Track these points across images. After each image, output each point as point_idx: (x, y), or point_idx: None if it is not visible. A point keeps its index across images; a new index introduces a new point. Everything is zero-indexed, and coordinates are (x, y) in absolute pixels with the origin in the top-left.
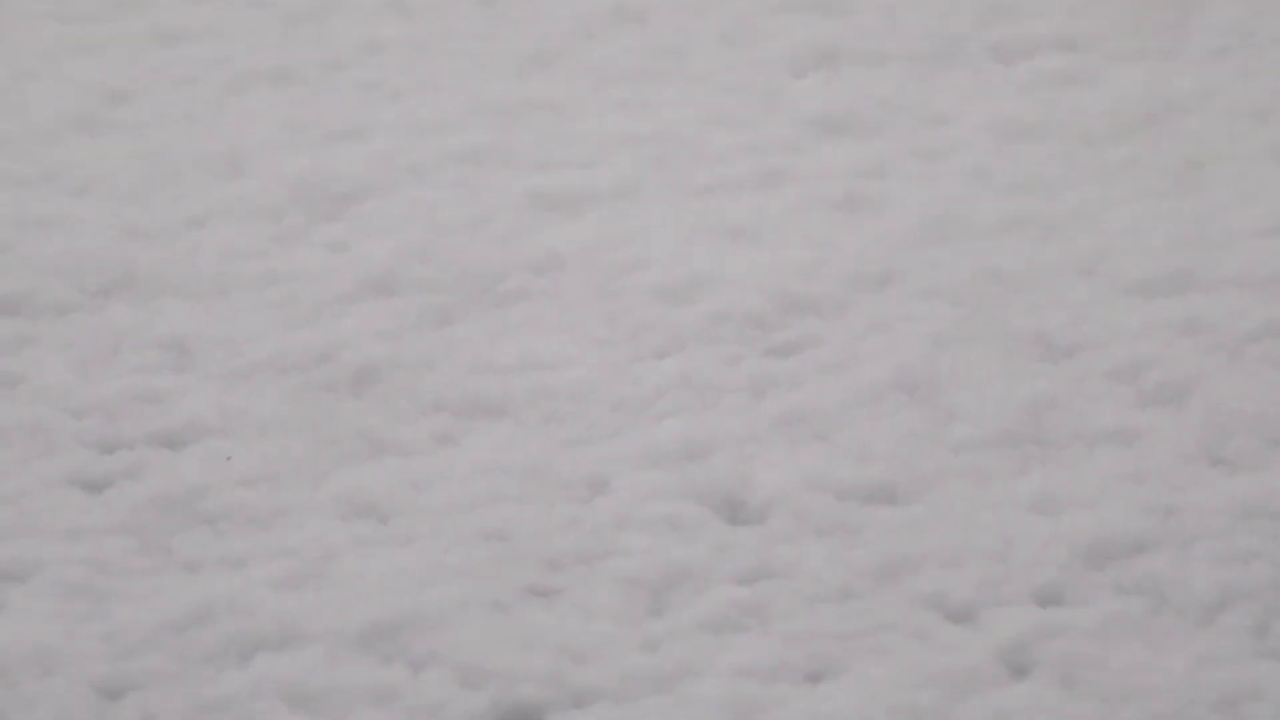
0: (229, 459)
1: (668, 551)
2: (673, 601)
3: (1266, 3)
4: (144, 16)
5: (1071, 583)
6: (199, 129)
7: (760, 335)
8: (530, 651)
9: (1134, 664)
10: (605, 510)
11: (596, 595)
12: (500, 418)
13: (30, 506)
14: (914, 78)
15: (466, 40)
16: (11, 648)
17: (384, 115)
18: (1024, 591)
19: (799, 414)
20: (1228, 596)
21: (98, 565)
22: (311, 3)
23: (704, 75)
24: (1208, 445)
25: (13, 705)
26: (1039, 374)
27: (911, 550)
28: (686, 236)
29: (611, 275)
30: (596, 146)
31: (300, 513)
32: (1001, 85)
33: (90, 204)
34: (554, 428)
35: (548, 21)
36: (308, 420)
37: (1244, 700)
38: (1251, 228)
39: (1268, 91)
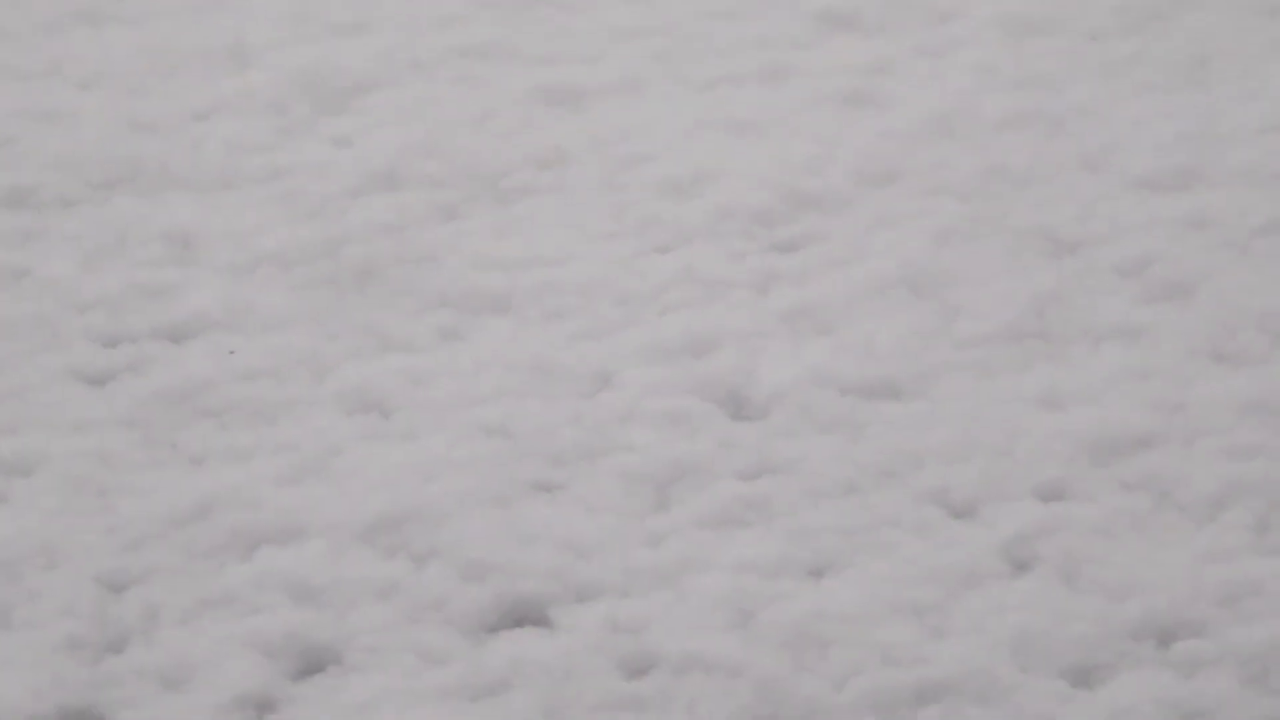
0: (233, 353)
1: (671, 446)
2: (676, 496)
3: None
4: None
5: (1075, 478)
6: (203, 21)
7: (765, 230)
8: (533, 546)
9: (1136, 559)
10: (609, 405)
11: (600, 490)
12: (504, 313)
13: (34, 400)
14: None
15: None
16: (15, 541)
17: (388, 9)
18: (1027, 487)
19: (803, 309)
20: (1230, 492)
21: (102, 459)
22: None
23: None
24: (1213, 341)
25: (17, 598)
26: (1044, 269)
27: (915, 446)
28: (691, 131)
29: (616, 170)
30: (601, 41)
31: (304, 407)
32: None
33: (94, 97)
34: (558, 322)
35: None
36: (312, 314)
37: (1246, 596)
38: (1258, 124)
39: None
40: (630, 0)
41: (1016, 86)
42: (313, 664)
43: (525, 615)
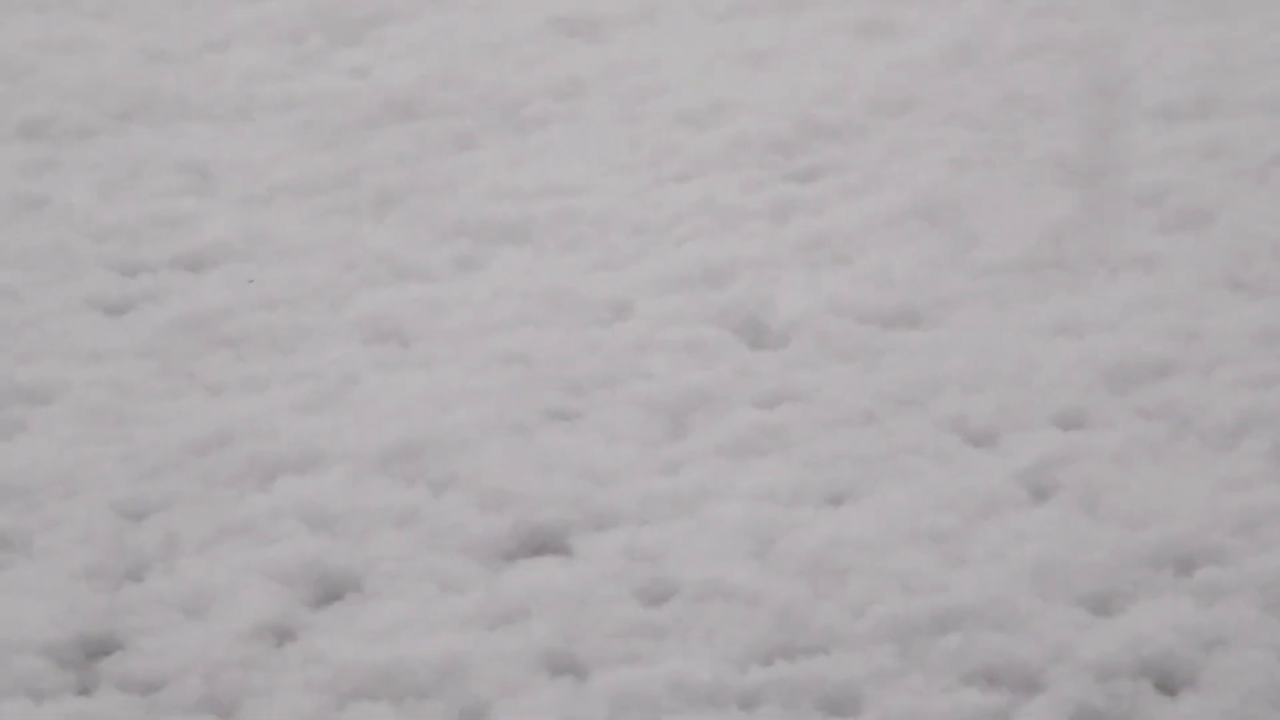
0: (250, 282)
1: (689, 375)
2: (694, 425)
3: None
4: None
5: (1093, 406)
6: None
7: (781, 160)
8: (551, 474)
9: (1154, 487)
10: (627, 334)
11: (618, 418)
12: (522, 242)
13: (52, 329)
14: None
15: None
16: (34, 470)
17: None
18: (1045, 415)
19: (820, 238)
20: (1248, 420)
21: (120, 388)
22: None
23: None
24: (1230, 270)
25: (36, 526)
26: (1061, 198)
27: (933, 374)
28: (707, 61)
29: (633, 100)
30: None
31: (322, 336)
32: None
33: (112, 28)
34: (575, 252)
35: None
36: (329, 244)
37: (1264, 523)
38: (1276, 53)
39: None
40: None
41: (1033, 15)
42: (331, 592)
43: (543, 543)
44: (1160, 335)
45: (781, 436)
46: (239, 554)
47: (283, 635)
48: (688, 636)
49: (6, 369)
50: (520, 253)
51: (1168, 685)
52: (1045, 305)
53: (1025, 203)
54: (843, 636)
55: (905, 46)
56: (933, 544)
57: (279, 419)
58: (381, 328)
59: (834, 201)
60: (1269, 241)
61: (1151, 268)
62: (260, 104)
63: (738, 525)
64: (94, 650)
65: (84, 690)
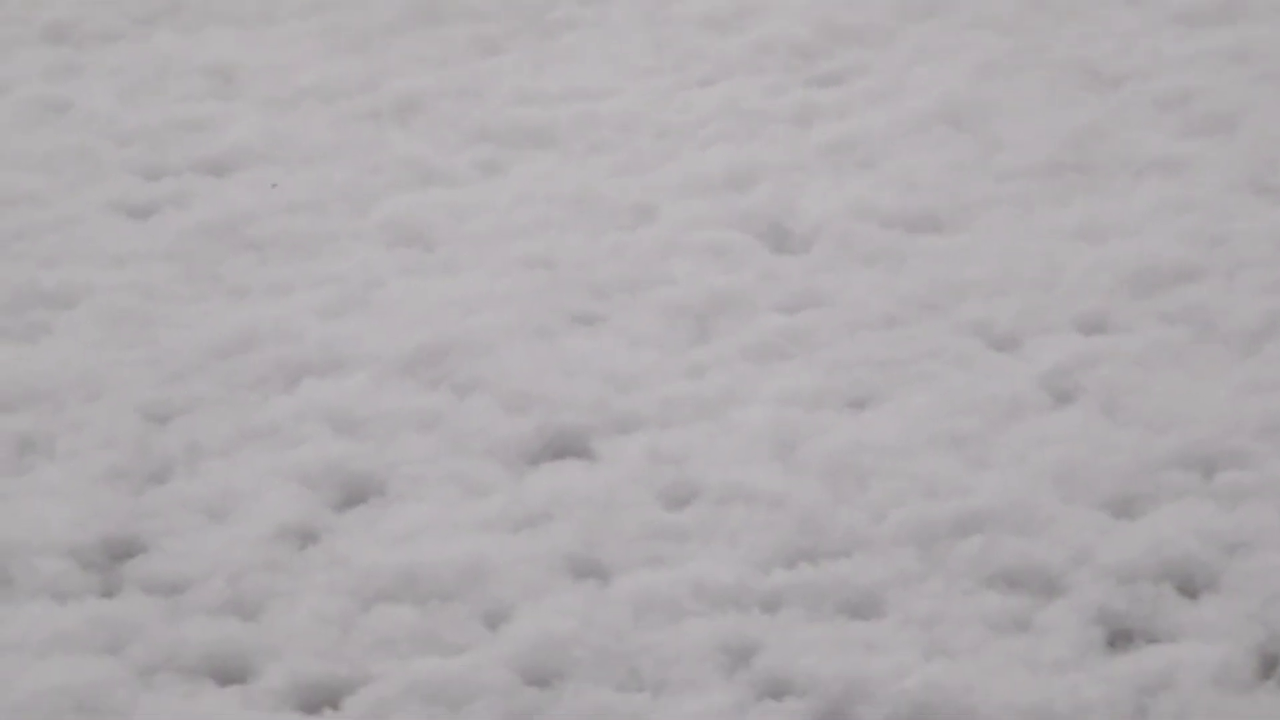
0: (275, 186)
1: (713, 279)
2: (717, 329)
3: None
4: None
5: (1116, 310)
6: None
7: (805, 64)
8: (575, 378)
9: (1177, 391)
10: (650, 238)
11: (641, 322)
12: (546, 146)
13: (77, 233)
14: None
15: None
16: (58, 372)
17: None
18: (1068, 319)
19: (844, 142)
20: (1271, 325)
21: (144, 291)
22: None
23: None
24: (1254, 174)
25: (60, 428)
26: (1085, 103)
27: (956, 278)
28: None
29: (657, 4)
30: None
31: (346, 240)
32: None
33: None
34: (600, 156)
35: None
36: (353, 148)
37: None
38: None
39: None
40: None
41: None
42: (354, 495)
43: (566, 446)
44: (1183, 240)
45: (804, 341)
46: (262, 457)
47: (306, 538)
48: (710, 540)
49: (30, 273)
50: (544, 157)
51: (1189, 588)
52: (1069, 210)
53: (1049, 107)
54: (865, 539)
55: None
56: (954, 448)
57: (303, 322)
58: (406, 232)
59: (858, 106)
60: None
61: (1175, 172)
62: (284, 8)
63: (760, 429)
64: (118, 552)
65: (107, 592)
